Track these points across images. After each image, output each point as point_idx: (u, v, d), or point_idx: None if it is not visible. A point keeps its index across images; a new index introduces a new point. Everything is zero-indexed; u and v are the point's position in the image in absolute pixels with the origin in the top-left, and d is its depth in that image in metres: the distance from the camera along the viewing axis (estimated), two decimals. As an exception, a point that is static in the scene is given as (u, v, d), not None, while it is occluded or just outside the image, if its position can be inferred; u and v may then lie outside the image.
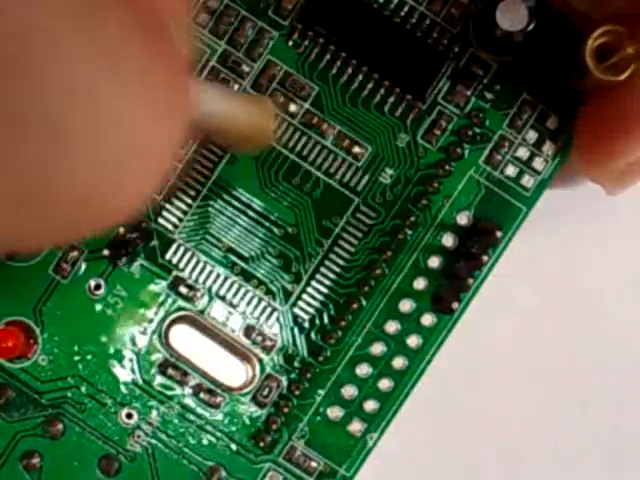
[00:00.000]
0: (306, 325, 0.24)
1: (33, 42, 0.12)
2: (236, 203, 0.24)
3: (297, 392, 0.24)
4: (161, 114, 0.14)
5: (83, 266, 0.24)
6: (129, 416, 0.24)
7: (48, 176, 0.13)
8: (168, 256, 0.24)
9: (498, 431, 0.26)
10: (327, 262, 0.24)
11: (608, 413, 0.26)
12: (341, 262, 0.24)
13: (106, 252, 0.23)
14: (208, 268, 0.24)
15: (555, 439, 0.26)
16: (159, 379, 0.24)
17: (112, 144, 0.13)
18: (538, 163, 0.24)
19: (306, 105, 0.24)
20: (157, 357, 0.24)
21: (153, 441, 0.24)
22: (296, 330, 0.24)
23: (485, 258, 0.23)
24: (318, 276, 0.24)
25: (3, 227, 0.13)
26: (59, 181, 0.13)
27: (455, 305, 0.23)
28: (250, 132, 0.22)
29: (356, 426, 0.24)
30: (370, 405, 0.24)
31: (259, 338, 0.24)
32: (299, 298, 0.24)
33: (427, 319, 0.24)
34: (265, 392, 0.24)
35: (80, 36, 0.12)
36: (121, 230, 0.23)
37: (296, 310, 0.24)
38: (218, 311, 0.24)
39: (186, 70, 0.15)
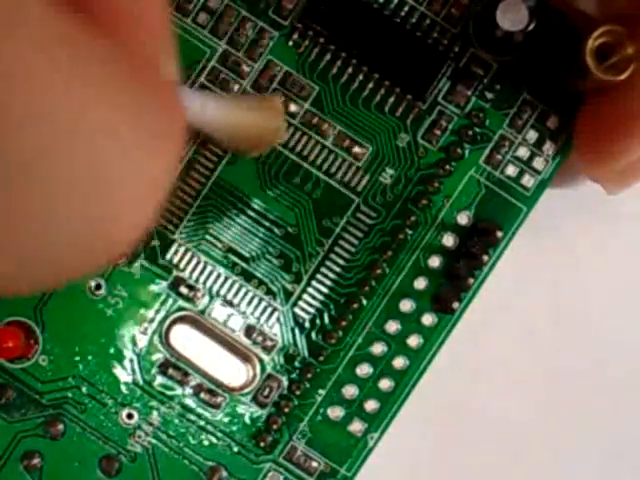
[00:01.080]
0: (307, 325, 0.24)
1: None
2: (236, 203, 0.24)
3: (298, 392, 0.24)
4: (150, 145, 0.14)
5: (83, 266, 0.24)
6: (130, 416, 0.24)
7: (45, 222, 0.13)
8: (168, 256, 0.24)
9: (498, 431, 0.26)
10: (327, 262, 0.24)
11: (609, 413, 0.26)
12: (341, 262, 0.24)
13: (106, 252, 0.23)
14: (208, 268, 0.24)
15: (555, 439, 0.26)
16: (160, 379, 0.24)
17: (100, 179, 0.13)
18: (538, 163, 0.24)
19: (306, 105, 0.24)
20: (158, 357, 0.24)
21: (154, 441, 0.24)
22: (297, 330, 0.24)
23: (485, 258, 0.23)
24: (319, 276, 0.24)
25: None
26: (56, 223, 0.13)
27: (455, 305, 0.23)
28: (262, 135, 0.21)
29: (357, 426, 0.24)
30: (371, 405, 0.24)
31: (260, 338, 0.24)
32: (300, 298, 0.24)
33: (427, 319, 0.24)
34: (266, 392, 0.24)
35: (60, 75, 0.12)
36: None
37: (297, 310, 0.24)
38: (219, 311, 0.24)
39: (174, 96, 0.15)
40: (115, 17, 0.13)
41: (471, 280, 0.23)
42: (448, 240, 0.24)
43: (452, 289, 0.23)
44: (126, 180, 0.13)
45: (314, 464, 0.24)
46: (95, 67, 0.12)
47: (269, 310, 0.24)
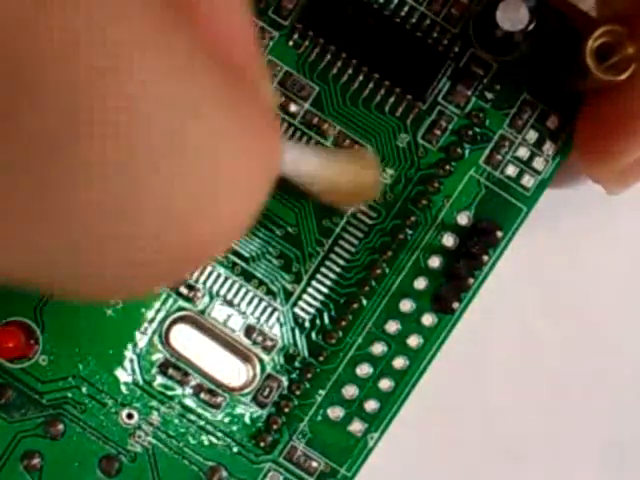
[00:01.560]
0: (307, 325, 0.24)
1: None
2: (236, 203, 0.24)
3: (298, 392, 0.24)
4: (253, 149, 0.14)
5: (83, 266, 0.24)
6: (130, 416, 0.24)
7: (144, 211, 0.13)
8: (168, 256, 0.24)
9: (498, 430, 0.26)
10: (327, 262, 0.24)
11: (609, 412, 0.26)
12: (341, 262, 0.24)
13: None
14: (208, 268, 0.24)
15: (556, 438, 0.26)
16: (160, 379, 0.24)
17: (205, 176, 0.13)
18: (538, 163, 0.24)
19: (306, 105, 0.24)
20: (158, 357, 0.24)
21: (154, 441, 0.24)
22: (297, 330, 0.24)
23: (485, 258, 0.23)
24: (319, 276, 0.24)
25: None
26: (154, 210, 0.13)
27: (455, 305, 0.23)
28: (359, 190, 0.21)
29: (357, 426, 0.24)
30: (371, 405, 0.24)
31: (260, 338, 0.24)
32: (300, 298, 0.24)
33: (427, 319, 0.24)
34: (266, 392, 0.24)
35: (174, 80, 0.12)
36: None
37: (297, 310, 0.24)
38: (218, 311, 0.24)
39: (274, 119, 0.15)
40: (213, 33, 0.13)
41: (471, 280, 0.23)
42: (448, 240, 0.24)
43: (452, 289, 0.23)
44: (227, 175, 0.13)
45: (314, 464, 0.24)
46: (207, 73, 0.13)
47: (269, 310, 0.24)
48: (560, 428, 0.26)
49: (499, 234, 0.23)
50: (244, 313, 0.24)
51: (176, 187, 0.13)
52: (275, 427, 0.24)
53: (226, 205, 0.14)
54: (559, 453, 0.26)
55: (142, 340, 0.24)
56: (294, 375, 0.24)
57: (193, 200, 0.13)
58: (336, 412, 0.24)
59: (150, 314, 0.24)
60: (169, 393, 0.24)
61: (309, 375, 0.24)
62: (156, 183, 0.12)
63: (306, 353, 0.24)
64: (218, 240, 0.14)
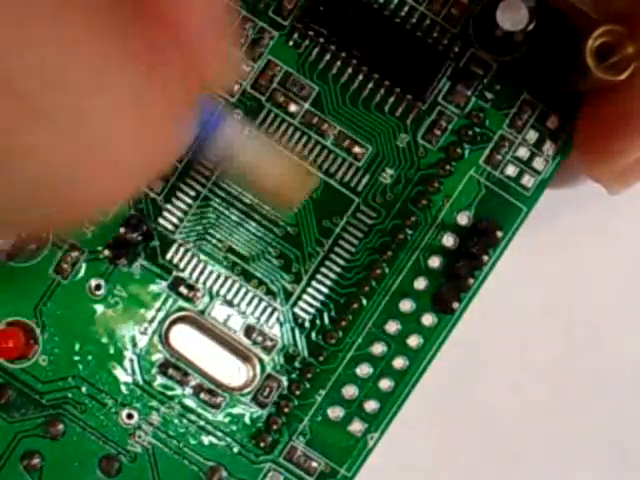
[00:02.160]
0: (307, 325, 0.24)
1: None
2: (236, 203, 0.24)
3: (298, 392, 0.24)
4: (151, 116, 0.14)
5: (83, 267, 0.24)
6: (130, 416, 0.24)
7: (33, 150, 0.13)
8: (168, 256, 0.24)
9: (498, 430, 0.26)
10: (327, 262, 0.24)
11: (609, 412, 0.26)
12: (341, 262, 0.24)
13: (106, 252, 0.23)
14: (208, 268, 0.24)
15: (555, 438, 0.26)
16: (160, 379, 0.24)
17: (97, 129, 0.13)
18: (538, 163, 0.24)
19: (306, 105, 0.24)
20: (158, 357, 0.24)
21: (154, 441, 0.24)
22: (297, 330, 0.24)
23: (485, 258, 0.23)
24: (318, 276, 0.24)
25: None
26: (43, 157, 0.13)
27: (455, 305, 0.23)
28: (279, 192, 0.21)
29: (357, 426, 0.24)
30: (371, 405, 0.24)
31: (259, 338, 0.24)
32: (299, 298, 0.24)
33: (427, 319, 0.24)
34: (266, 392, 0.24)
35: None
36: (122, 230, 0.23)
37: (296, 310, 0.24)
38: (218, 311, 0.24)
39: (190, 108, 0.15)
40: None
41: (471, 280, 0.23)
42: (448, 240, 0.24)
43: (452, 289, 0.23)
44: (111, 140, 0.13)
45: (314, 464, 0.24)
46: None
47: (269, 310, 0.24)
48: (560, 428, 0.26)
49: (499, 234, 0.23)
50: (244, 313, 0.24)
51: (58, 155, 0.13)
52: (275, 427, 0.24)
53: (101, 182, 0.14)
54: (558, 453, 0.26)
55: (142, 340, 0.24)
56: (294, 375, 0.24)
57: (71, 168, 0.13)
58: (336, 412, 0.24)
59: (150, 314, 0.24)
60: (169, 393, 0.24)
61: (309, 375, 0.24)
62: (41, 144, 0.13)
63: (306, 353, 0.24)
64: (91, 208, 0.15)
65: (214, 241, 0.24)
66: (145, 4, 0.14)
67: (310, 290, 0.24)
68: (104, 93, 0.13)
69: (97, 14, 0.13)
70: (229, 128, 0.19)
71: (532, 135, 0.24)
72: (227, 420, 0.24)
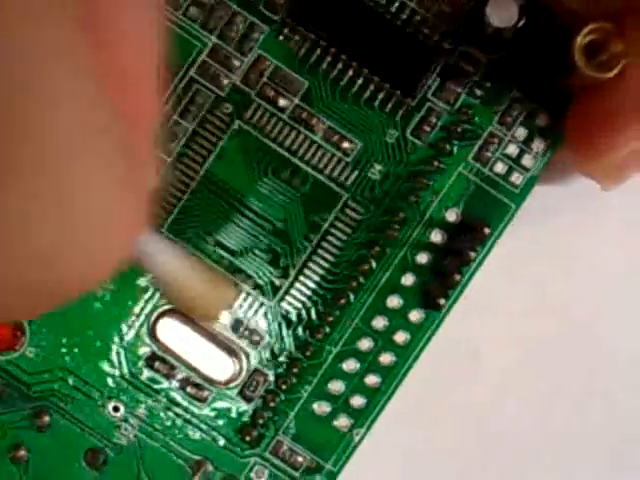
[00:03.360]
0: (293, 320, 0.24)
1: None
2: (225, 197, 0.24)
3: (284, 387, 0.24)
4: (126, 191, 0.13)
5: (71, 259, 0.24)
6: (116, 409, 0.24)
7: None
8: (156, 250, 0.24)
9: (485, 427, 0.26)
10: (315, 257, 0.24)
11: (605, 412, 0.26)
12: (329, 257, 0.24)
13: (94, 245, 0.23)
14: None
15: (549, 437, 0.26)
16: (146, 373, 0.24)
17: (80, 208, 0.13)
18: (527, 160, 0.24)
19: (296, 100, 0.24)
20: (144, 350, 0.24)
21: (140, 434, 0.24)
22: (283, 325, 0.24)
23: (473, 255, 0.23)
24: (306, 271, 0.24)
25: None
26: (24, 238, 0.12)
27: (442, 301, 0.23)
28: (196, 305, 0.21)
29: (343, 421, 0.24)
30: (357, 401, 0.24)
31: (246, 332, 0.24)
32: (287, 293, 0.24)
33: (414, 315, 0.24)
34: (252, 387, 0.24)
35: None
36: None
37: (284, 305, 0.24)
38: (206, 305, 0.24)
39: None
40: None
41: (458, 277, 0.23)
42: (436, 236, 0.24)
43: (439, 285, 0.23)
44: (104, 209, 0.13)
45: (300, 459, 0.24)
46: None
47: (256, 304, 0.24)
48: (556, 426, 0.26)
49: (487, 231, 0.23)
50: (231, 307, 0.24)
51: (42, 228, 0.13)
52: (261, 421, 0.24)
53: (100, 240, 0.13)
54: (556, 452, 0.26)
55: (129, 333, 0.24)
56: (280, 370, 0.24)
57: (65, 231, 0.13)
58: (322, 407, 0.24)
59: (137, 307, 0.24)
60: (155, 386, 0.24)
61: (295, 370, 0.24)
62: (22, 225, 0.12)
63: (293, 348, 0.24)
64: (81, 282, 0.14)
65: (202, 235, 0.24)
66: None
67: (298, 285, 0.24)
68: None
69: None
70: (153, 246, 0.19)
71: (521, 132, 0.24)
72: (213, 414, 0.24)
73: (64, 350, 0.24)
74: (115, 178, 0.13)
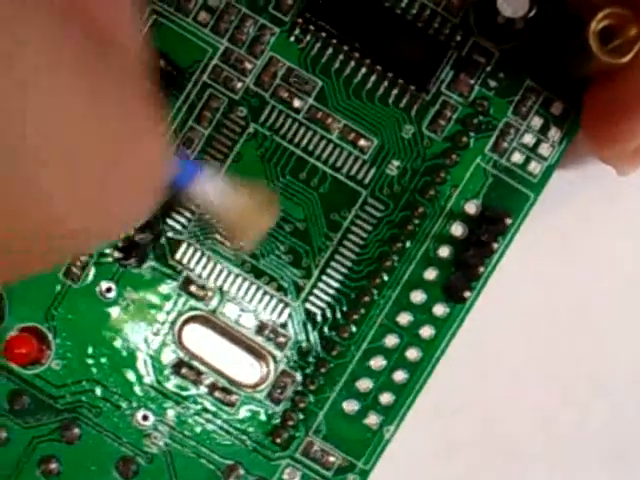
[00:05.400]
0: (318, 320, 0.24)
1: None
2: (244, 201, 0.24)
3: (312, 387, 0.24)
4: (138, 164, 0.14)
5: (93, 270, 0.24)
6: (145, 418, 0.24)
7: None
8: (178, 256, 0.24)
9: (513, 421, 0.26)
10: (337, 256, 0.24)
11: (610, 409, 0.26)
12: (351, 255, 0.24)
13: (117, 254, 0.23)
14: (218, 267, 0.24)
15: (575, 429, 0.26)
16: (173, 380, 0.24)
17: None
18: (544, 149, 0.24)
19: (310, 100, 0.24)
20: (171, 358, 0.24)
21: (170, 442, 0.24)
22: (309, 325, 0.24)
23: (495, 245, 0.23)
24: (329, 270, 0.24)
25: None
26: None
27: (467, 294, 0.23)
28: (244, 223, 0.21)
29: (372, 419, 0.24)
30: (386, 397, 0.24)
31: (272, 335, 0.24)
32: (310, 293, 0.24)
33: (439, 309, 0.24)
34: (280, 388, 0.24)
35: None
36: (131, 232, 0.23)
37: (308, 305, 0.24)
38: (230, 309, 0.24)
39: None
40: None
41: (481, 268, 0.23)
42: (457, 229, 0.24)
43: (463, 278, 0.23)
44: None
45: (331, 459, 0.24)
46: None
47: (280, 306, 0.24)
48: (581, 412, 0.26)
49: (508, 221, 0.23)
50: (255, 310, 0.24)
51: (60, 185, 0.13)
52: (291, 423, 0.24)
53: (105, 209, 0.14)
54: (575, 445, 0.26)
55: (155, 341, 0.24)
56: (308, 370, 0.24)
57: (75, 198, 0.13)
58: (351, 406, 0.24)
59: (162, 315, 0.24)
60: (183, 393, 0.24)
61: (323, 370, 0.24)
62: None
63: (319, 348, 0.24)
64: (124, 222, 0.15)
65: (223, 239, 0.24)
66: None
67: (321, 284, 0.24)
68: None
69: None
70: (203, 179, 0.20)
71: (537, 121, 0.24)
72: (242, 418, 0.24)
73: (90, 361, 0.24)
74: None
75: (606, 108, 0.22)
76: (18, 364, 0.24)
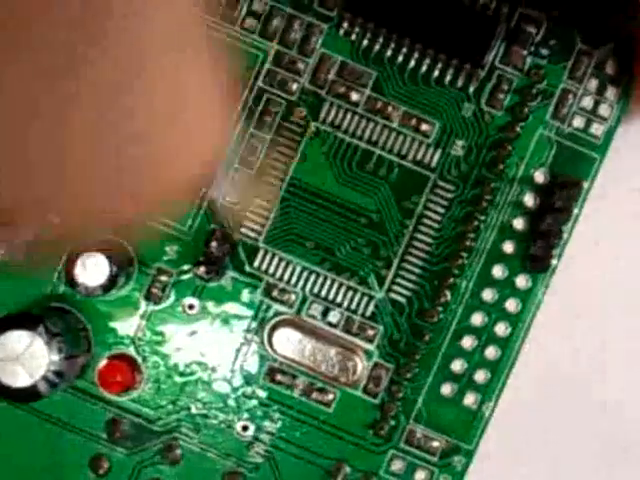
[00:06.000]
0: (405, 308, 0.24)
1: None
2: (314, 199, 0.24)
3: (408, 375, 0.24)
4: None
5: (173, 288, 0.24)
6: (245, 428, 0.24)
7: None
8: (256, 264, 0.24)
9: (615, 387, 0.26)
10: (415, 242, 0.24)
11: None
12: (428, 239, 0.24)
13: (201, 269, 0.23)
14: (298, 268, 0.24)
15: None
16: (268, 386, 0.24)
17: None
18: (604, 109, 0.24)
19: (367, 91, 0.24)
20: (263, 365, 0.24)
21: (272, 449, 0.24)
22: (396, 314, 0.24)
23: (569, 210, 0.23)
24: (408, 257, 0.24)
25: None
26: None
27: (549, 261, 0.23)
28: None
29: (471, 398, 0.24)
30: (481, 376, 0.24)
31: (360, 329, 0.24)
32: (393, 282, 0.24)
33: (521, 281, 0.24)
34: (375, 381, 0.24)
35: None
36: (211, 245, 0.23)
37: (392, 295, 0.24)
38: (315, 309, 0.24)
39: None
40: None
41: (559, 234, 0.23)
42: (529, 200, 0.24)
43: (544, 247, 0.23)
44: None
45: (435, 444, 0.24)
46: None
47: (365, 299, 0.24)
48: None
49: (579, 185, 0.23)
50: (340, 306, 0.24)
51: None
52: (391, 414, 0.24)
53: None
54: None
55: (245, 350, 0.24)
56: (401, 359, 0.24)
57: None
58: (448, 388, 0.24)
59: (248, 323, 0.24)
60: (280, 399, 0.24)
61: (416, 356, 0.24)
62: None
63: (409, 335, 0.24)
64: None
65: (299, 240, 0.24)
66: None
67: (402, 272, 0.24)
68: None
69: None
70: None
71: (593, 83, 0.24)
72: (341, 415, 0.24)
73: (182, 380, 0.24)
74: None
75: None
76: (114, 392, 0.23)
